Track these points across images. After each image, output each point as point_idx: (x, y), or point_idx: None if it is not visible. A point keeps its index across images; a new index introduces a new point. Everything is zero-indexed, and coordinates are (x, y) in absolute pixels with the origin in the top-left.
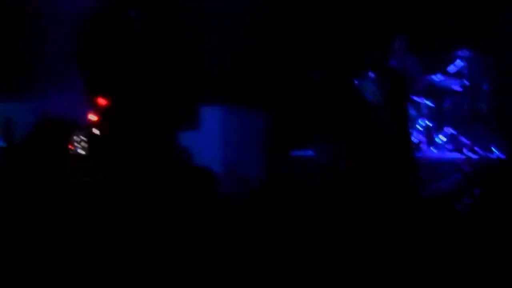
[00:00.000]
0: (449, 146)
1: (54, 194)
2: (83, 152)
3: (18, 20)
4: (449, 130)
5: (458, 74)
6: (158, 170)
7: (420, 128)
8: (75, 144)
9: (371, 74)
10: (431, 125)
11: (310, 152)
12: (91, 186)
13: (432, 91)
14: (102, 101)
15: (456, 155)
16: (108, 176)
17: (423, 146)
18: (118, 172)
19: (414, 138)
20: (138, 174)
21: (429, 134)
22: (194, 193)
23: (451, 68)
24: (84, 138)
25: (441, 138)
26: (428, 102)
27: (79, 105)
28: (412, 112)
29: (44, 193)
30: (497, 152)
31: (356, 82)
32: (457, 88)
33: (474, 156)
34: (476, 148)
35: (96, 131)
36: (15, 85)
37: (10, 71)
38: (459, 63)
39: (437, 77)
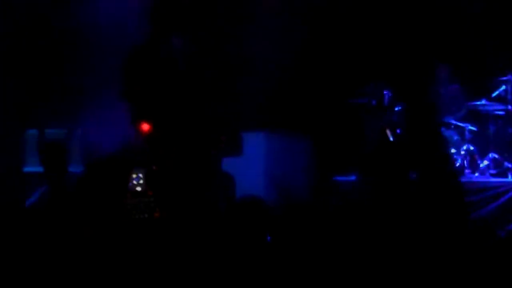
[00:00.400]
0: (492, 171)
1: (112, 231)
2: (139, 189)
3: (67, 50)
4: (492, 154)
5: (501, 99)
6: (209, 203)
7: (463, 153)
8: (133, 181)
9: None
10: (474, 150)
11: (353, 177)
12: (147, 223)
13: (476, 116)
14: (145, 129)
15: (499, 180)
16: (164, 212)
17: (467, 171)
18: (173, 208)
19: (458, 163)
20: (191, 209)
21: (472, 159)
22: (247, 225)
23: (495, 94)
24: (141, 175)
25: (484, 163)
26: (471, 127)
27: (124, 134)
28: (456, 137)
29: (102, 229)
30: None
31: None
32: (500, 113)
33: None
34: None
35: (153, 168)
36: (59, 112)
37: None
38: (502, 88)
39: (481, 103)
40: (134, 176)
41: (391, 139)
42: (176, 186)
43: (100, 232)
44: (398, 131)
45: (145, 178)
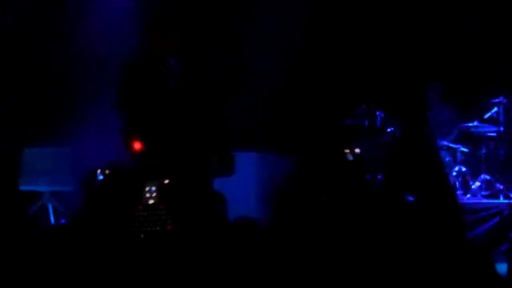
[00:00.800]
0: (484, 192)
1: (123, 244)
2: (152, 202)
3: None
4: (484, 176)
5: (493, 121)
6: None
7: (455, 174)
8: (146, 194)
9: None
10: (466, 171)
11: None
12: (159, 235)
13: (468, 137)
14: (137, 147)
15: (491, 201)
16: (175, 225)
17: (458, 192)
18: (183, 221)
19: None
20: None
21: (464, 180)
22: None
23: (487, 115)
24: (153, 188)
25: (476, 184)
26: (463, 149)
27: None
28: (448, 158)
29: (114, 241)
30: None
31: (392, 128)
32: (492, 134)
33: (509, 202)
34: (511, 194)
35: (165, 181)
36: (55, 131)
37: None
38: (494, 110)
39: (473, 124)
40: (147, 189)
41: (351, 159)
42: (183, 200)
43: (111, 246)
44: (357, 151)
45: (157, 192)
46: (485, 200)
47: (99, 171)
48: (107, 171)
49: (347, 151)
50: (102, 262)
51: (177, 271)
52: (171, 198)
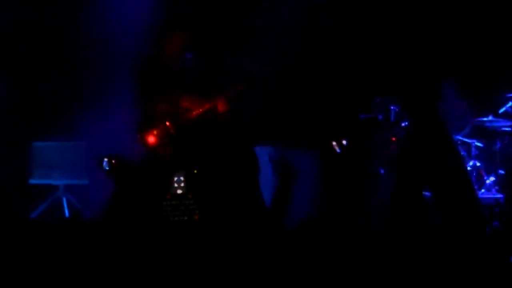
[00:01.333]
0: (498, 187)
1: (152, 231)
2: (180, 191)
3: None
4: (499, 171)
5: (508, 116)
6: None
7: (470, 169)
8: (174, 183)
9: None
10: (480, 166)
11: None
12: (187, 225)
13: (483, 132)
14: (151, 141)
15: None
16: (202, 215)
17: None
18: (210, 210)
19: None
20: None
21: (479, 175)
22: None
23: (502, 110)
24: (182, 178)
25: (491, 179)
26: (478, 143)
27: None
28: (462, 153)
29: (143, 229)
30: None
31: (406, 122)
32: (507, 129)
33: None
34: None
35: (194, 170)
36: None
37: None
38: (509, 104)
39: (488, 119)
40: (175, 178)
41: (338, 151)
42: (212, 189)
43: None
44: (345, 143)
45: (185, 181)
46: (499, 195)
47: (105, 160)
48: (113, 161)
49: (334, 143)
50: (128, 251)
51: (202, 260)
52: (199, 188)
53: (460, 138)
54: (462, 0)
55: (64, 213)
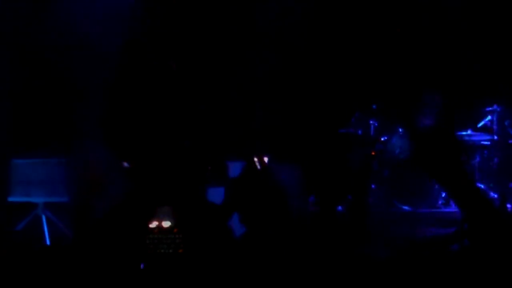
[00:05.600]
0: None
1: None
2: (167, 225)
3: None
4: (478, 184)
5: (487, 130)
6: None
7: None
8: (160, 216)
9: (400, 130)
10: None
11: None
12: (172, 258)
13: (462, 146)
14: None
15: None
16: (187, 248)
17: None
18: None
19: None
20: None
21: None
22: None
23: (481, 124)
24: (167, 210)
25: None
26: None
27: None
28: None
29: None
30: None
31: (386, 137)
32: (486, 143)
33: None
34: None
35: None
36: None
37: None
38: (488, 118)
39: (467, 133)
40: (160, 210)
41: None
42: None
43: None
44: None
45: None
46: None
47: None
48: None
49: (256, 160)
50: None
51: None
52: (184, 220)
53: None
54: (443, 15)
55: (43, 231)
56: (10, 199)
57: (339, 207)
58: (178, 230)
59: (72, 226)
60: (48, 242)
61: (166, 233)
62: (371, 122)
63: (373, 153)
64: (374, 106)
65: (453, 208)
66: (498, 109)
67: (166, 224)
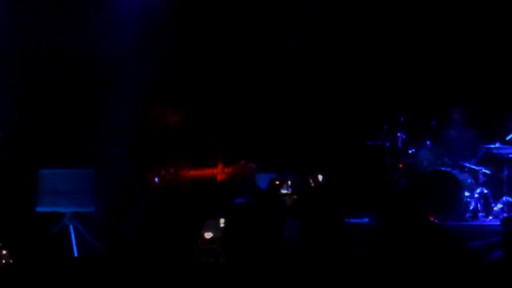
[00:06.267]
0: (506, 214)
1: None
2: (210, 235)
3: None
4: (506, 198)
5: None
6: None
7: (477, 196)
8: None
9: (428, 143)
10: (488, 193)
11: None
12: (213, 267)
13: (490, 159)
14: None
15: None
16: (227, 258)
17: (480, 214)
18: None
19: (471, 206)
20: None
21: (486, 202)
22: None
23: (509, 137)
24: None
25: (498, 206)
26: (485, 170)
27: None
28: (470, 180)
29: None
30: None
31: (413, 150)
32: None
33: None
34: None
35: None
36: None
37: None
38: None
39: (495, 146)
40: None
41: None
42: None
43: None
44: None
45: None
46: None
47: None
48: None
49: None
50: None
51: None
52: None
53: (468, 165)
54: (471, 30)
55: (71, 241)
56: (38, 209)
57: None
58: (219, 242)
59: (100, 236)
60: (75, 252)
61: (208, 243)
62: (399, 134)
63: (400, 166)
64: (402, 119)
65: (480, 221)
66: None
67: (208, 235)
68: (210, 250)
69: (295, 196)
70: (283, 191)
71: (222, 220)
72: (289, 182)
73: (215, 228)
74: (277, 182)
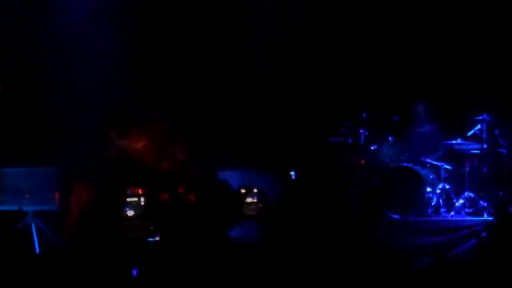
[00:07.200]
0: (468, 210)
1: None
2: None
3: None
4: (468, 193)
5: (477, 138)
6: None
7: (439, 192)
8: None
9: (390, 139)
10: (450, 188)
11: None
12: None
13: (452, 155)
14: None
15: (475, 218)
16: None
17: (442, 210)
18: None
19: (433, 202)
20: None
21: (448, 197)
22: None
23: (470, 133)
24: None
25: (460, 202)
26: (447, 166)
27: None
28: (432, 176)
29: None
30: None
31: (376, 146)
32: (476, 151)
33: (492, 219)
34: (494, 211)
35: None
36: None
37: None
38: (477, 127)
39: (457, 142)
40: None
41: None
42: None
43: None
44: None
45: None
46: (468, 218)
47: None
48: None
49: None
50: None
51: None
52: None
53: (430, 161)
54: (433, 27)
55: (33, 239)
56: (0, 207)
57: None
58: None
59: (61, 234)
60: (37, 250)
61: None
62: (361, 131)
63: (362, 162)
64: (364, 115)
65: (442, 217)
66: (488, 118)
67: (130, 213)
68: (133, 226)
69: (261, 205)
70: (249, 200)
71: (142, 199)
72: (255, 190)
73: (135, 207)
74: (243, 191)
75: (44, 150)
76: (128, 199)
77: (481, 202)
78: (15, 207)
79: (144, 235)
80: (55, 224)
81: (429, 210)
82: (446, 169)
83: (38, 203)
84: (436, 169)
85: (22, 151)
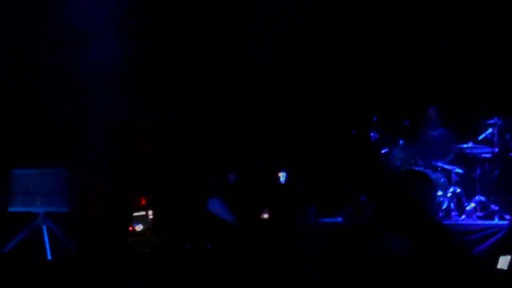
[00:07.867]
0: (479, 213)
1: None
2: (140, 228)
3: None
4: (479, 197)
5: (488, 142)
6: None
7: (450, 195)
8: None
9: (401, 142)
10: (461, 192)
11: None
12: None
13: (463, 159)
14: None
15: (486, 222)
16: (161, 248)
17: (453, 214)
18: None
19: (444, 205)
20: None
21: (459, 201)
22: None
23: (481, 136)
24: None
25: (471, 206)
26: (458, 170)
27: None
28: (443, 179)
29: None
30: None
31: (387, 149)
32: (487, 155)
33: (503, 223)
34: (505, 215)
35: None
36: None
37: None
38: (489, 131)
39: (468, 146)
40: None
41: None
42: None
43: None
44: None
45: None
46: (479, 221)
47: None
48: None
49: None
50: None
51: None
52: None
53: (441, 165)
54: (445, 31)
55: (44, 241)
56: (11, 209)
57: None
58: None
59: (73, 236)
60: (48, 252)
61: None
62: (372, 134)
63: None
64: (375, 118)
65: (453, 221)
66: (499, 122)
67: (139, 228)
68: (143, 242)
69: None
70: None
71: (150, 212)
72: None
73: (144, 220)
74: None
75: (55, 152)
76: (135, 214)
77: (492, 206)
78: (26, 209)
79: (155, 250)
80: (66, 226)
81: (440, 214)
82: (457, 172)
83: (49, 205)
84: (447, 173)
85: (33, 153)
